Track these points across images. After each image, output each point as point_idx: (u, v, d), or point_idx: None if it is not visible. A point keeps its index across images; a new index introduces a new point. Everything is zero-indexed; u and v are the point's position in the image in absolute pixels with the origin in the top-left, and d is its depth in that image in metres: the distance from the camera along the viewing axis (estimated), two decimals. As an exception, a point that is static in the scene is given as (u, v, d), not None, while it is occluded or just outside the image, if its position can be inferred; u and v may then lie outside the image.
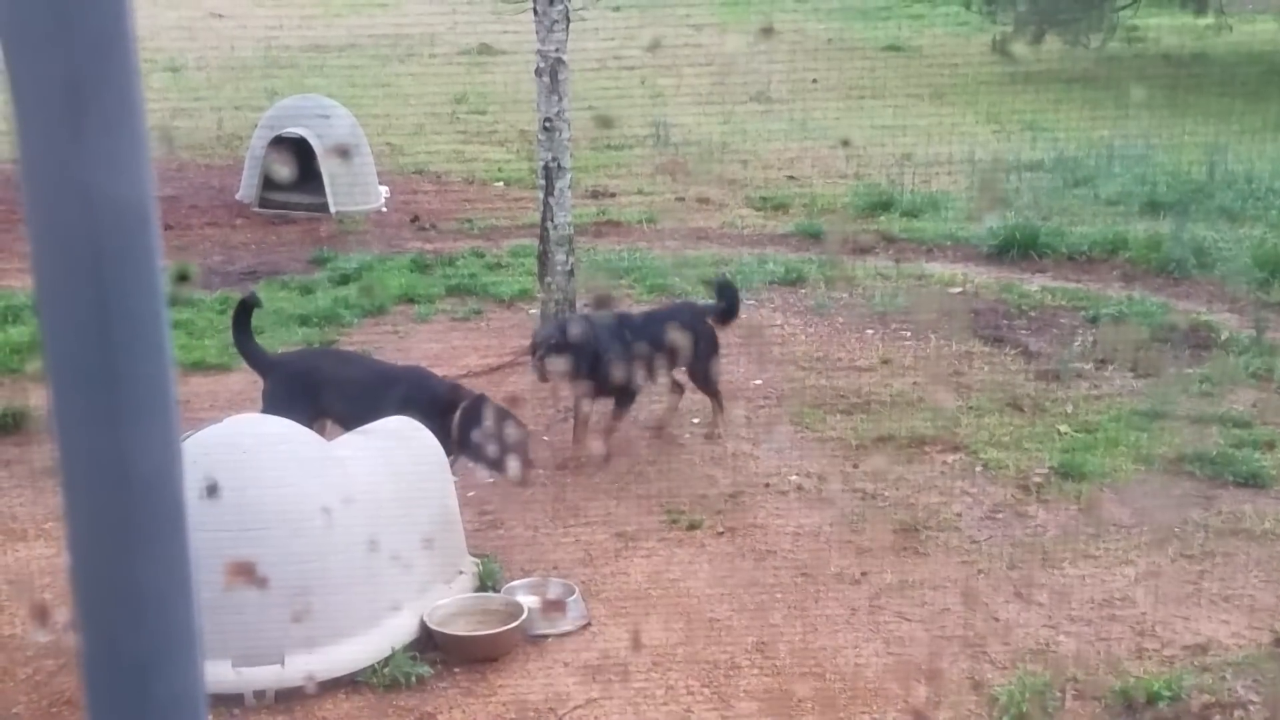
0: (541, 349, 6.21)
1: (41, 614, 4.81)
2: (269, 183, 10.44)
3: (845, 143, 12.07)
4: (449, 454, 5.42)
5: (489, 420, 5.60)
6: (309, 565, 4.44)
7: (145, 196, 0.96)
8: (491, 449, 5.54)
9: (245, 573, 4.21)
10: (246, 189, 10.69)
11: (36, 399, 6.44)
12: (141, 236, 0.96)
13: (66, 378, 0.97)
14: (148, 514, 0.98)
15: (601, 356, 6.18)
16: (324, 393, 5.69)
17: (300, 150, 10.24)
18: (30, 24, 0.92)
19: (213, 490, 4.16)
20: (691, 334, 6.43)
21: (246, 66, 15.77)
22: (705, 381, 6.54)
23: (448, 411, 5.63)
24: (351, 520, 4.56)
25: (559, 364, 6.13)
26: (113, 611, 0.99)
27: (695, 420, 6.65)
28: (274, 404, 5.57)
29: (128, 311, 0.96)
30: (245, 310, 5.92)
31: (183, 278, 8.17)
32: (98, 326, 0.96)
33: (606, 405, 6.40)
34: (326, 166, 10.19)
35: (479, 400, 5.73)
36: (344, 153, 10.09)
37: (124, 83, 0.94)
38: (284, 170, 10.17)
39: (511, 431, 5.65)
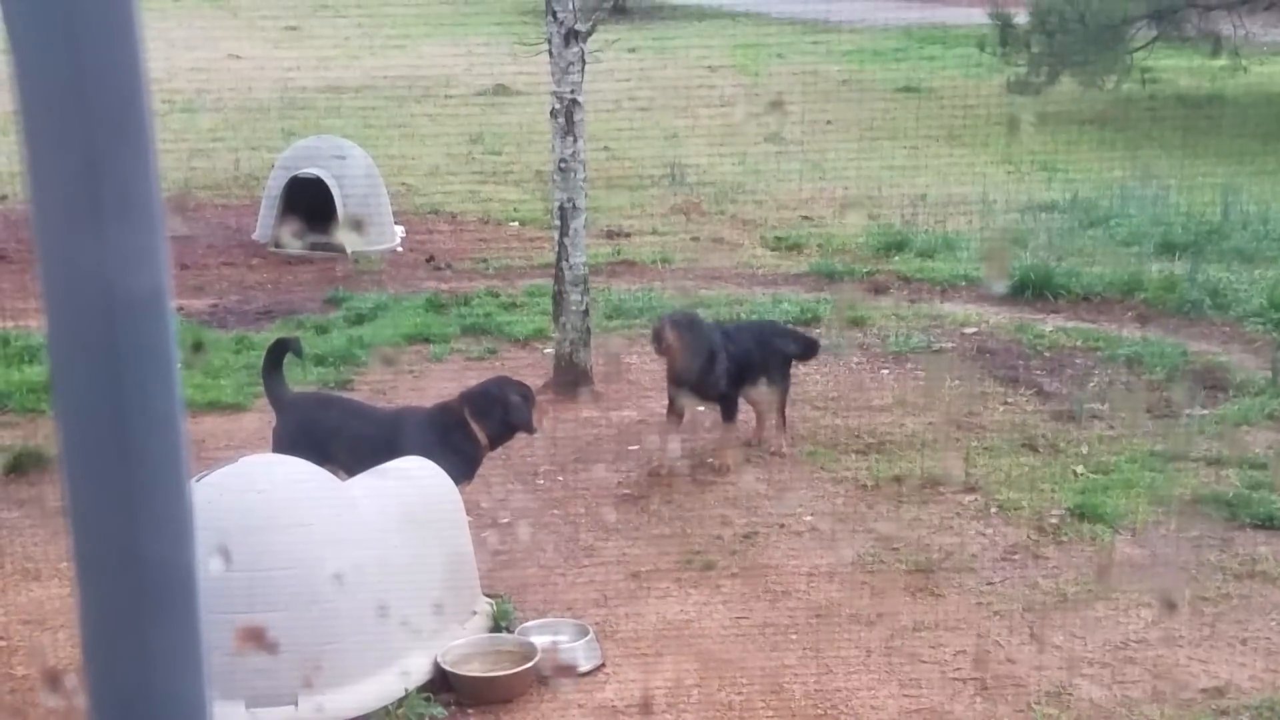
0: (667, 324, 6.51)
1: (52, 663, 4.81)
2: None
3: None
4: (465, 478, 5.43)
5: (493, 389, 5.82)
6: (320, 631, 4.44)
7: (161, 287, 0.97)
8: (508, 413, 5.73)
9: (256, 638, 4.21)
10: (263, 229, 10.75)
11: (51, 439, 6.45)
12: (157, 327, 0.97)
13: (80, 464, 0.98)
14: (159, 596, 0.99)
15: (715, 353, 6.52)
16: (332, 441, 5.70)
17: (315, 191, 10.31)
18: (48, 107, 0.93)
19: (223, 556, 4.17)
20: (782, 349, 6.88)
21: (264, 107, 15.89)
22: (781, 397, 6.80)
23: (453, 425, 5.68)
24: (363, 586, 4.55)
25: (681, 340, 6.44)
26: (124, 684, 1.00)
27: (710, 460, 6.65)
28: (284, 445, 5.59)
29: (142, 401, 0.97)
30: (282, 348, 5.97)
31: (196, 347, 8.20)
32: (112, 415, 0.96)
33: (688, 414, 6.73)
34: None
35: (470, 390, 5.89)
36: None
37: (141, 168, 0.95)
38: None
39: (514, 388, 5.85)
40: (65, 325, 0.96)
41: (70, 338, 0.96)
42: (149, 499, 0.98)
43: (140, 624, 0.99)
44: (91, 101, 0.92)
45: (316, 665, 4.37)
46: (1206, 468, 6.52)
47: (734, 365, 6.59)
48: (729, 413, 6.67)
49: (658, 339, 6.54)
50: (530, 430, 5.89)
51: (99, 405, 0.96)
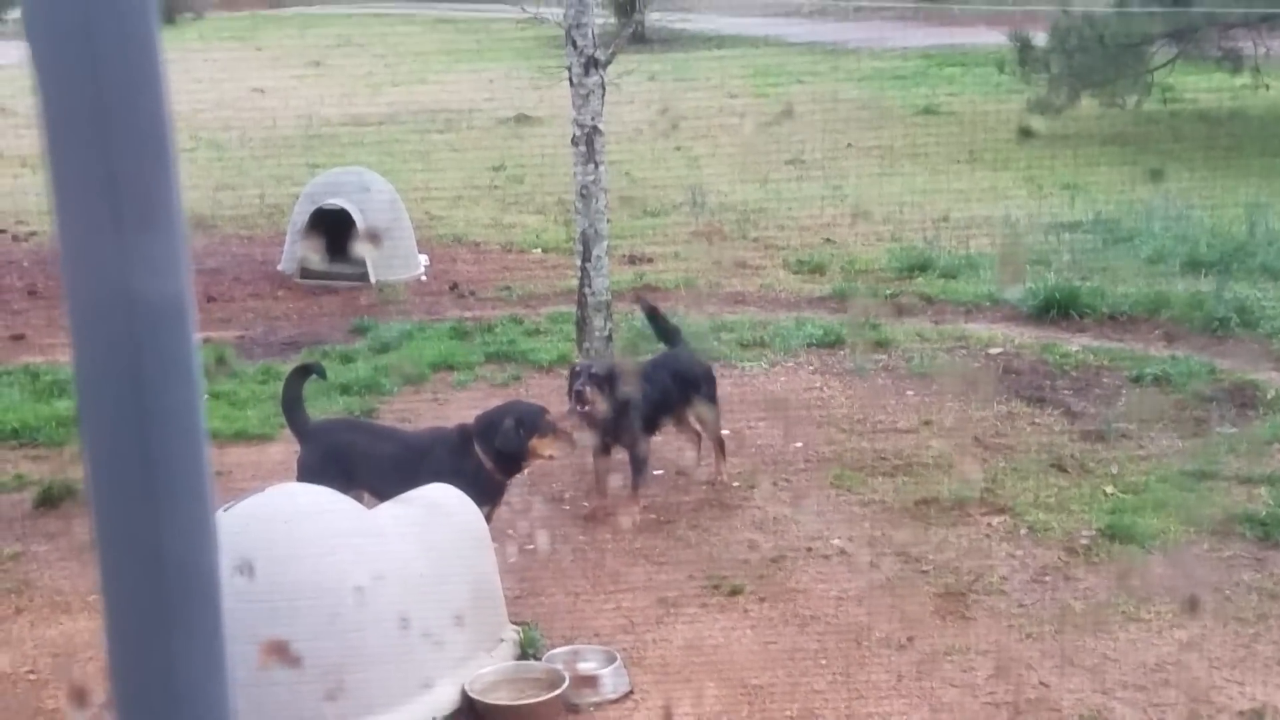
0: (582, 377, 6.25)
1: (82, 692, 4.81)
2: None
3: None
4: (483, 503, 5.38)
5: (494, 416, 5.74)
6: (342, 644, 4.42)
7: (182, 294, 0.97)
8: (503, 440, 5.62)
9: (279, 651, 4.21)
10: (288, 260, 10.79)
11: (81, 472, 6.48)
12: (179, 333, 0.98)
13: (104, 469, 0.99)
14: (183, 601, 1.00)
15: (630, 400, 6.28)
16: (358, 465, 5.70)
17: (339, 222, 10.35)
18: (72, 119, 0.93)
19: (247, 570, 4.17)
20: (695, 377, 6.65)
21: (288, 140, 15.99)
22: (710, 425, 6.64)
23: (464, 450, 5.66)
24: (384, 598, 4.54)
25: (599, 394, 6.19)
26: (148, 695, 1.00)
27: (735, 484, 6.62)
28: (308, 473, 5.59)
29: (165, 406, 0.98)
30: (302, 374, 5.99)
31: (220, 361, 8.24)
32: (135, 420, 0.97)
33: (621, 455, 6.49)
34: (364, 251, 10.31)
35: (480, 416, 5.85)
36: (375, 238, 10.24)
37: (162, 179, 0.96)
38: (315, 257, 10.37)
39: (518, 413, 5.73)
40: (88, 332, 0.97)
41: (93, 344, 0.97)
42: (171, 501, 0.99)
43: (164, 627, 0.99)
44: (113, 113, 0.93)
45: (340, 683, 4.36)
46: (1238, 486, 6.46)
47: (648, 405, 6.37)
48: (637, 461, 6.37)
49: (580, 399, 6.18)
50: (522, 455, 5.69)
51: (122, 410, 0.97)
